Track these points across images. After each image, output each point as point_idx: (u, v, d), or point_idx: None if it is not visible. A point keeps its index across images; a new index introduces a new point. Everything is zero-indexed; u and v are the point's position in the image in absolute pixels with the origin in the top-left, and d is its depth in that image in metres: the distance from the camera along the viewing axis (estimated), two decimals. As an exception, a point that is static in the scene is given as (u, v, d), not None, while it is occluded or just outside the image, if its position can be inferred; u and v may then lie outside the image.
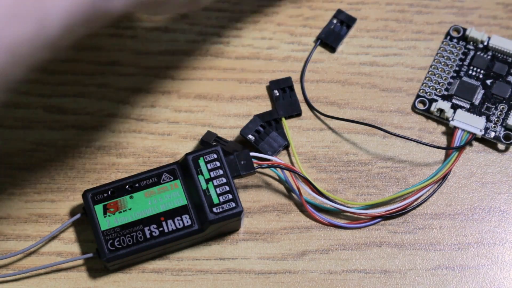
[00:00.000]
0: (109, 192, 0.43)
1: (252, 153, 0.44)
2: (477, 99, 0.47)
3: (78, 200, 0.45)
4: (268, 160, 0.45)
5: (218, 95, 0.48)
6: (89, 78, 0.48)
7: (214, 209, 0.42)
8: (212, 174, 0.42)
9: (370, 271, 0.44)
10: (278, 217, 0.45)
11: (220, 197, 0.42)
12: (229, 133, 0.47)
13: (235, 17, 0.50)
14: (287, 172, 0.45)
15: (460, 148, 0.45)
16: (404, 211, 0.45)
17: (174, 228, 0.42)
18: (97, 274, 0.44)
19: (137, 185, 0.43)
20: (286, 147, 0.46)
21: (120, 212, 0.42)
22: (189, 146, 0.47)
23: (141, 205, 0.43)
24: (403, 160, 0.46)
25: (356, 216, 0.45)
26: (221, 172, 0.42)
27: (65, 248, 0.44)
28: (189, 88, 0.48)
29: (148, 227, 0.42)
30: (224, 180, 0.42)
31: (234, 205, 0.42)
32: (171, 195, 0.43)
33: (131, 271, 0.44)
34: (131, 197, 0.43)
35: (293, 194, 0.46)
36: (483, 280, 0.44)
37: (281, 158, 0.46)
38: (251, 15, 0.50)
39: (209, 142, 0.45)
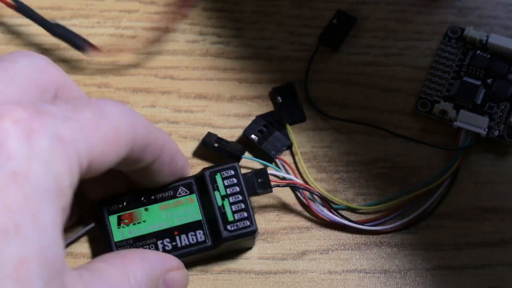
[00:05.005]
0: (124, 203, 0.42)
1: (269, 171, 0.44)
2: (479, 98, 0.47)
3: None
4: (286, 179, 0.44)
5: (218, 95, 0.48)
6: (89, 78, 0.48)
7: (228, 227, 0.41)
8: (229, 190, 0.42)
9: (370, 271, 0.44)
10: (278, 217, 0.45)
11: (235, 215, 0.42)
12: (230, 133, 0.47)
13: (235, 17, 0.50)
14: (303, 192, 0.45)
15: (466, 149, 0.45)
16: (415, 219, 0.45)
17: (188, 243, 0.42)
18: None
19: (152, 197, 0.42)
20: (289, 146, 0.46)
21: (134, 224, 0.42)
22: (189, 146, 0.47)
23: (155, 218, 0.42)
24: (403, 160, 0.46)
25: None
26: (237, 189, 0.42)
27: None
28: (189, 88, 0.48)
29: (161, 241, 0.42)
30: (240, 197, 0.42)
31: (248, 223, 0.42)
32: (186, 209, 0.42)
33: (131, 271, 0.44)
34: (146, 209, 0.42)
35: (298, 193, 0.46)
36: (484, 280, 0.44)
37: (285, 158, 0.46)
38: (251, 15, 0.50)
39: (210, 143, 0.45)
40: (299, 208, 0.45)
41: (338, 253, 0.44)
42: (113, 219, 0.42)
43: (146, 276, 0.36)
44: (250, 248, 0.44)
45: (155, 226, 0.42)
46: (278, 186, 0.44)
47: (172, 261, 0.39)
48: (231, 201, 0.42)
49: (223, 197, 0.42)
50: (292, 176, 0.45)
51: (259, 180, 0.43)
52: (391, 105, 0.48)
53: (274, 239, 0.45)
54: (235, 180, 0.42)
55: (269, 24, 0.50)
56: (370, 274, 0.44)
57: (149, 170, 0.39)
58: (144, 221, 0.42)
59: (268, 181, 0.43)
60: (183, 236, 0.42)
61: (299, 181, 0.45)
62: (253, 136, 0.46)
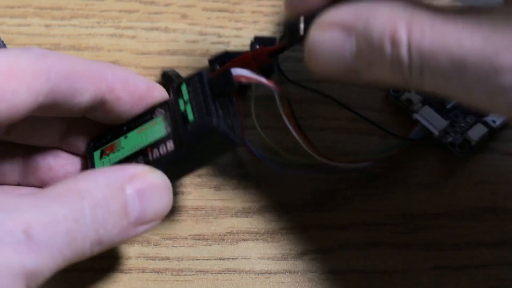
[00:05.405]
0: (108, 137, 0.42)
1: (235, 70, 0.40)
2: (450, 103, 0.47)
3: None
4: (254, 78, 0.41)
5: (218, 95, 0.48)
6: (89, 78, 0.48)
7: (189, 127, 0.39)
8: (192, 95, 0.40)
9: (370, 271, 0.44)
10: (278, 217, 0.45)
11: (196, 114, 0.39)
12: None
13: (235, 17, 0.50)
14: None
15: (413, 141, 0.46)
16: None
17: (158, 155, 0.41)
18: (97, 274, 0.44)
19: (132, 124, 0.42)
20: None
21: (114, 153, 0.42)
22: (189, 146, 0.47)
23: (132, 142, 0.42)
24: (403, 160, 0.46)
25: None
26: (200, 91, 0.40)
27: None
28: (189, 88, 0.48)
29: (135, 160, 0.41)
30: (202, 97, 0.40)
31: (207, 119, 0.39)
32: (160, 127, 0.41)
33: (131, 271, 0.44)
34: (125, 137, 0.42)
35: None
36: (483, 280, 0.44)
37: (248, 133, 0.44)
38: (251, 15, 0.50)
39: (169, 75, 0.45)
40: (298, 208, 0.45)
41: (338, 253, 0.44)
42: (97, 154, 0.42)
43: (98, 185, 0.35)
44: (232, 148, 0.40)
45: (131, 149, 0.41)
46: (242, 83, 0.40)
47: (135, 167, 0.38)
48: (193, 103, 0.40)
49: (186, 102, 0.40)
50: (262, 78, 0.41)
51: (223, 78, 0.40)
52: (391, 105, 0.48)
53: (274, 239, 0.45)
54: (198, 85, 0.40)
55: (269, 24, 0.50)
56: (370, 274, 0.44)
57: (108, 104, 0.40)
58: (122, 148, 0.42)
59: (231, 78, 0.40)
60: (155, 150, 0.41)
61: (268, 82, 0.41)
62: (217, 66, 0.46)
